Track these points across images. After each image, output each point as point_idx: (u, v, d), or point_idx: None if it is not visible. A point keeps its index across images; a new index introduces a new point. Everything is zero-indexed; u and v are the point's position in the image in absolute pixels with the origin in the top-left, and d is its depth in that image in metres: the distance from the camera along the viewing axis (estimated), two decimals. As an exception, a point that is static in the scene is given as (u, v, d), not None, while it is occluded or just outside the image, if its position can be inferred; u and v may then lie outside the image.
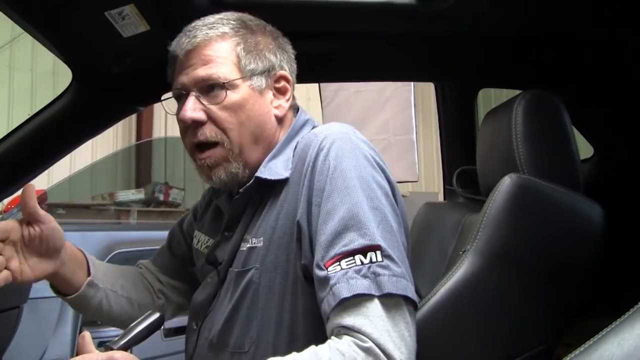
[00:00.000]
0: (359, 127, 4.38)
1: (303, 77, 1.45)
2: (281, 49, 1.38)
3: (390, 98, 4.53)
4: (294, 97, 1.42)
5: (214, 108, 1.28)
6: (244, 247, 1.30)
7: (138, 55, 1.65)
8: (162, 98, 1.41)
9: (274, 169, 1.29)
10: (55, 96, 1.91)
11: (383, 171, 1.24)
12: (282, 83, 1.37)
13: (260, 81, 1.32)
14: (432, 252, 1.76)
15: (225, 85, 1.28)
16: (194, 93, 1.29)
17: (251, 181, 1.30)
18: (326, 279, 1.09)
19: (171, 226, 1.73)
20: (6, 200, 2.57)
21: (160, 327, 1.24)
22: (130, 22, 1.52)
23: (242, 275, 1.27)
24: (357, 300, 1.05)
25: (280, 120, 1.37)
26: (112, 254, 2.66)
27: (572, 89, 1.89)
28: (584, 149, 1.92)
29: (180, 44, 1.31)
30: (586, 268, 1.38)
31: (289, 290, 1.22)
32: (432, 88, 2.37)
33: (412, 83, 4.53)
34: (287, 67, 1.39)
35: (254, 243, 1.27)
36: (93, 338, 2.41)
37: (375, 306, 1.05)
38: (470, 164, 1.92)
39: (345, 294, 1.05)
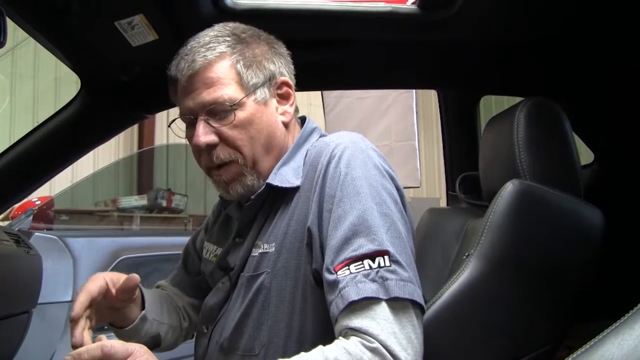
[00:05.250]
0: (361, 134, 4.36)
1: (306, 85, 1.46)
2: (278, 54, 1.38)
3: (392, 104, 4.53)
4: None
5: (224, 129, 1.29)
6: (256, 252, 1.31)
7: (146, 63, 1.68)
8: (169, 122, 1.41)
9: (285, 176, 1.31)
10: (58, 103, 1.93)
11: (392, 179, 1.26)
12: (284, 89, 1.38)
13: (263, 93, 1.33)
14: (436, 257, 1.78)
15: (232, 107, 1.29)
16: (202, 117, 1.30)
17: (262, 188, 1.32)
18: (335, 283, 1.11)
19: (174, 232, 1.75)
20: (15, 206, 2.59)
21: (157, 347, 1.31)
22: (139, 32, 1.55)
23: (253, 280, 1.29)
24: (365, 304, 1.08)
25: (286, 125, 1.38)
26: (118, 259, 2.67)
27: (573, 95, 1.92)
28: (585, 155, 1.94)
29: (180, 69, 1.30)
30: (587, 271, 1.39)
31: (299, 295, 1.24)
32: (433, 94, 2.39)
33: (414, 90, 4.54)
34: (285, 71, 1.39)
35: (266, 249, 1.29)
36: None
37: (383, 309, 1.08)
38: (472, 170, 1.94)
39: (354, 297, 1.07)
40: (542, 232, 1.37)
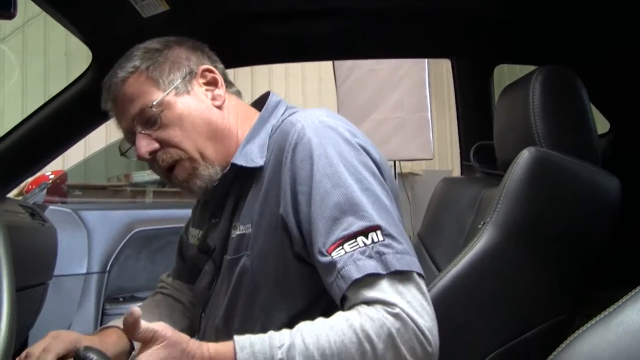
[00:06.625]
0: (373, 106, 4.41)
1: (321, 55, 1.45)
2: (192, 49, 1.40)
3: (404, 76, 4.51)
4: (230, 83, 1.44)
5: (158, 133, 1.32)
6: (234, 234, 1.32)
7: (157, 34, 1.67)
8: (124, 151, 1.44)
9: (250, 155, 1.31)
10: (69, 79, 1.93)
11: (366, 151, 1.24)
12: (209, 75, 1.39)
13: (184, 86, 1.34)
14: (450, 227, 1.77)
15: (155, 109, 1.30)
16: (137, 131, 1.33)
17: (227, 168, 1.33)
18: (332, 264, 1.10)
19: (187, 204, 1.75)
20: (28, 180, 2.60)
21: None
22: (150, 2, 1.54)
23: (235, 263, 1.30)
24: (369, 280, 1.07)
25: (221, 107, 1.38)
26: (132, 232, 2.69)
27: (588, 64, 1.89)
28: (601, 125, 1.92)
29: (106, 99, 1.37)
30: (604, 239, 1.39)
31: (283, 275, 1.25)
32: (444, 66, 2.37)
33: (426, 61, 4.51)
34: (206, 61, 1.41)
35: (242, 230, 1.29)
36: (115, 314, 2.45)
37: (387, 283, 1.07)
38: (486, 140, 1.93)
39: (356, 275, 1.07)
40: (559, 199, 1.36)
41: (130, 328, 1.02)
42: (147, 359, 1.01)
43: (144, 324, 1.02)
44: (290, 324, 1.11)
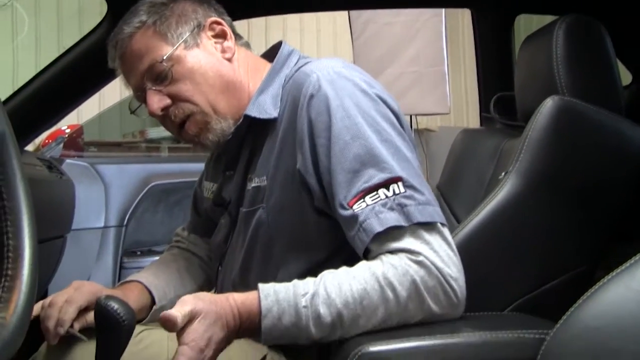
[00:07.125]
0: (390, 60, 4.35)
1: (339, 4, 1.40)
2: (198, 1, 1.38)
3: (420, 29, 4.47)
4: (238, 35, 1.41)
5: (169, 88, 1.30)
6: (249, 186, 1.31)
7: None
8: (133, 109, 1.43)
9: (263, 106, 1.30)
10: (82, 35, 1.91)
11: (384, 101, 1.22)
12: (217, 28, 1.36)
13: (193, 39, 1.32)
14: (469, 178, 1.76)
15: (165, 63, 1.28)
16: (148, 87, 1.31)
17: (241, 120, 1.32)
18: (353, 217, 1.10)
19: (203, 158, 1.74)
20: (44, 135, 2.60)
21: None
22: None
23: (251, 215, 1.29)
24: (392, 233, 1.07)
25: (231, 60, 1.36)
26: (149, 186, 2.69)
27: (611, 14, 1.85)
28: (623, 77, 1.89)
29: (113, 57, 1.36)
30: (627, 190, 1.38)
31: (302, 228, 1.24)
32: (460, 20, 2.32)
33: (443, 14, 4.46)
34: (214, 13, 1.38)
35: (257, 182, 1.29)
36: (133, 268, 2.47)
37: (411, 234, 1.07)
38: (506, 91, 1.90)
39: (378, 228, 1.06)
40: (583, 148, 1.35)
41: (171, 329, 1.01)
42: (194, 336, 1.01)
43: (178, 314, 1.00)
44: (309, 276, 1.11)
